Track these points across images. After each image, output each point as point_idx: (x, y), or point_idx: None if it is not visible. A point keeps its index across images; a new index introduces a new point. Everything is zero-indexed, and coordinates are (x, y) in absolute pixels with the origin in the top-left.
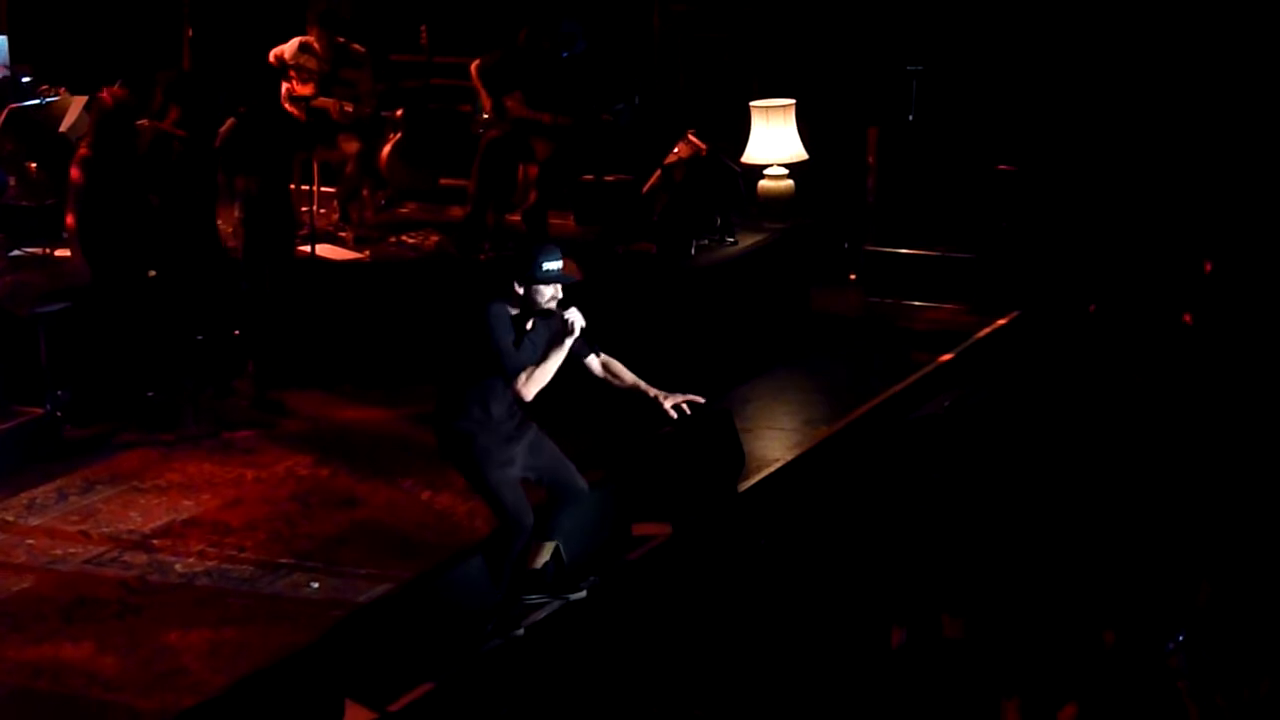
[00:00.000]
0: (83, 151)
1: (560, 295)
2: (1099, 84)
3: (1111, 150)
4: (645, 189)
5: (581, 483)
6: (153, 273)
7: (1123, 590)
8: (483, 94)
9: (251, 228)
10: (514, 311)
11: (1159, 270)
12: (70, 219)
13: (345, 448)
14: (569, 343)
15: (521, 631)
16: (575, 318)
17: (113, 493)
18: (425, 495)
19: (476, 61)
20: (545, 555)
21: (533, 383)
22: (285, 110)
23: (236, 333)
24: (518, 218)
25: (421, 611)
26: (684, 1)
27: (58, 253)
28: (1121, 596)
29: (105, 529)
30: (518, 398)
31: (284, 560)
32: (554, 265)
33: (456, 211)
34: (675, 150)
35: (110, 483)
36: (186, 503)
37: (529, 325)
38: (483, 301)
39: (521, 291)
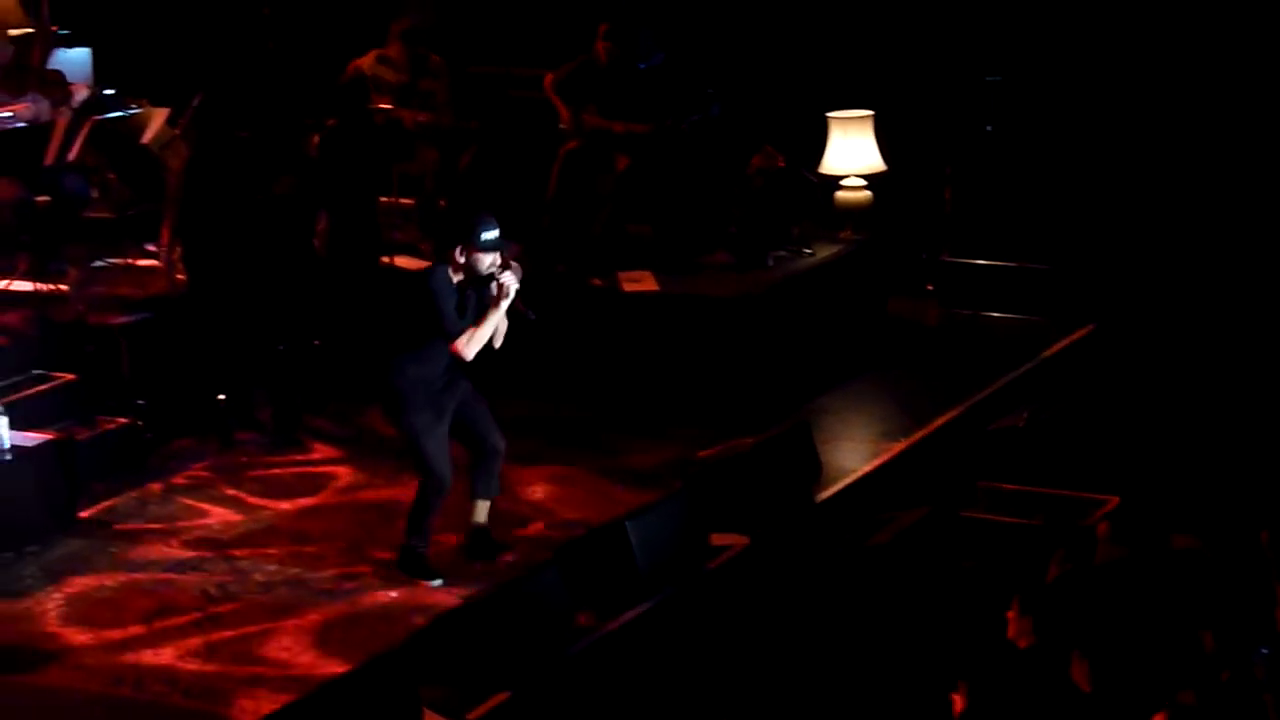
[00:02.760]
0: (180, 161)
1: (499, 262)
2: (1174, 93)
3: (1191, 160)
4: (722, 200)
5: (501, 441)
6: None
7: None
8: (559, 106)
9: (337, 240)
10: (456, 278)
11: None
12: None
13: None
14: (504, 305)
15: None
16: (510, 281)
17: (193, 501)
18: (504, 505)
19: (550, 75)
20: (484, 513)
21: (472, 344)
22: (371, 123)
23: (317, 342)
24: (596, 229)
25: (499, 620)
26: (762, 12)
27: (140, 263)
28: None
29: (186, 537)
30: (458, 358)
31: (362, 569)
32: (492, 234)
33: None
34: (752, 161)
35: (191, 491)
36: (266, 511)
37: (468, 290)
38: (425, 270)
39: (462, 259)
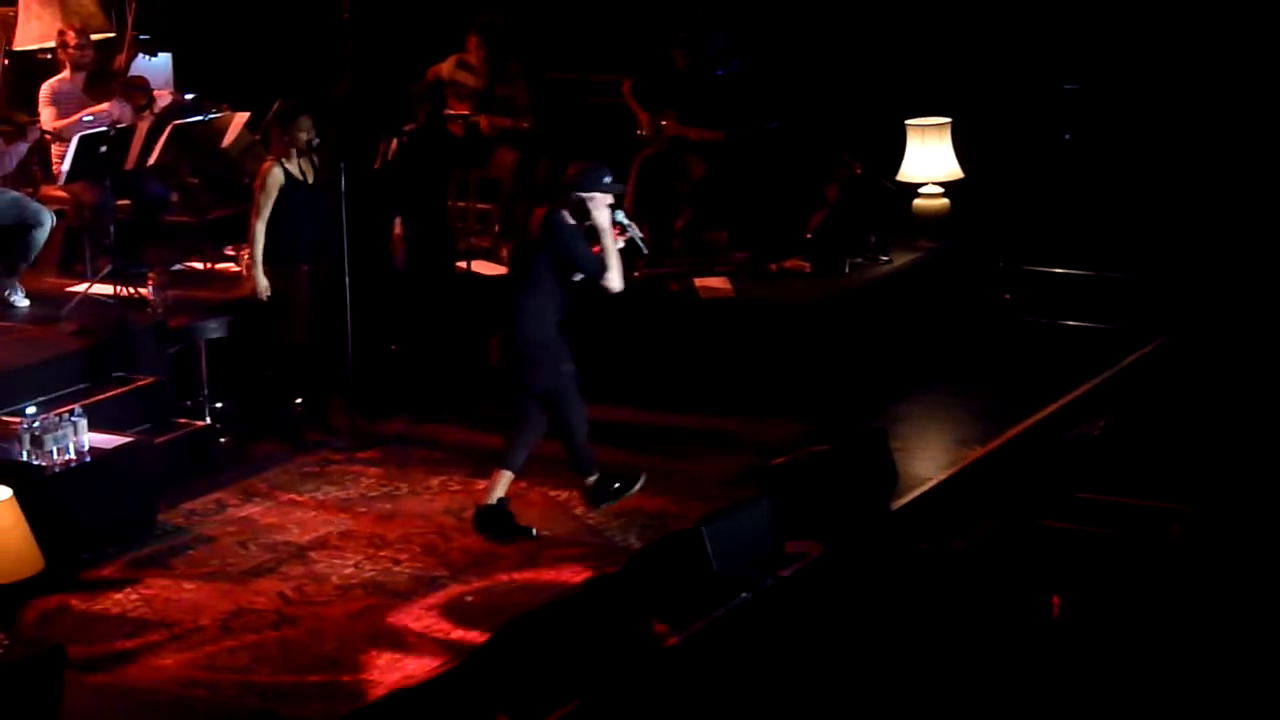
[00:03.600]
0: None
1: (613, 203)
2: (1252, 106)
3: (1268, 172)
4: (799, 207)
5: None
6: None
7: None
8: (638, 111)
9: (414, 245)
10: (572, 222)
11: None
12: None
13: (496, 462)
14: (623, 242)
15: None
16: (623, 218)
17: (270, 505)
18: (579, 509)
19: (629, 80)
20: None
21: (615, 275)
22: (448, 129)
23: (393, 348)
24: (673, 235)
25: (575, 625)
26: (839, 20)
27: (219, 267)
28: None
29: (262, 540)
30: (605, 292)
31: (439, 573)
32: (610, 178)
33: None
34: (831, 169)
35: (267, 495)
36: (342, 515)
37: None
38: (548, 220)
39: (583, 201)
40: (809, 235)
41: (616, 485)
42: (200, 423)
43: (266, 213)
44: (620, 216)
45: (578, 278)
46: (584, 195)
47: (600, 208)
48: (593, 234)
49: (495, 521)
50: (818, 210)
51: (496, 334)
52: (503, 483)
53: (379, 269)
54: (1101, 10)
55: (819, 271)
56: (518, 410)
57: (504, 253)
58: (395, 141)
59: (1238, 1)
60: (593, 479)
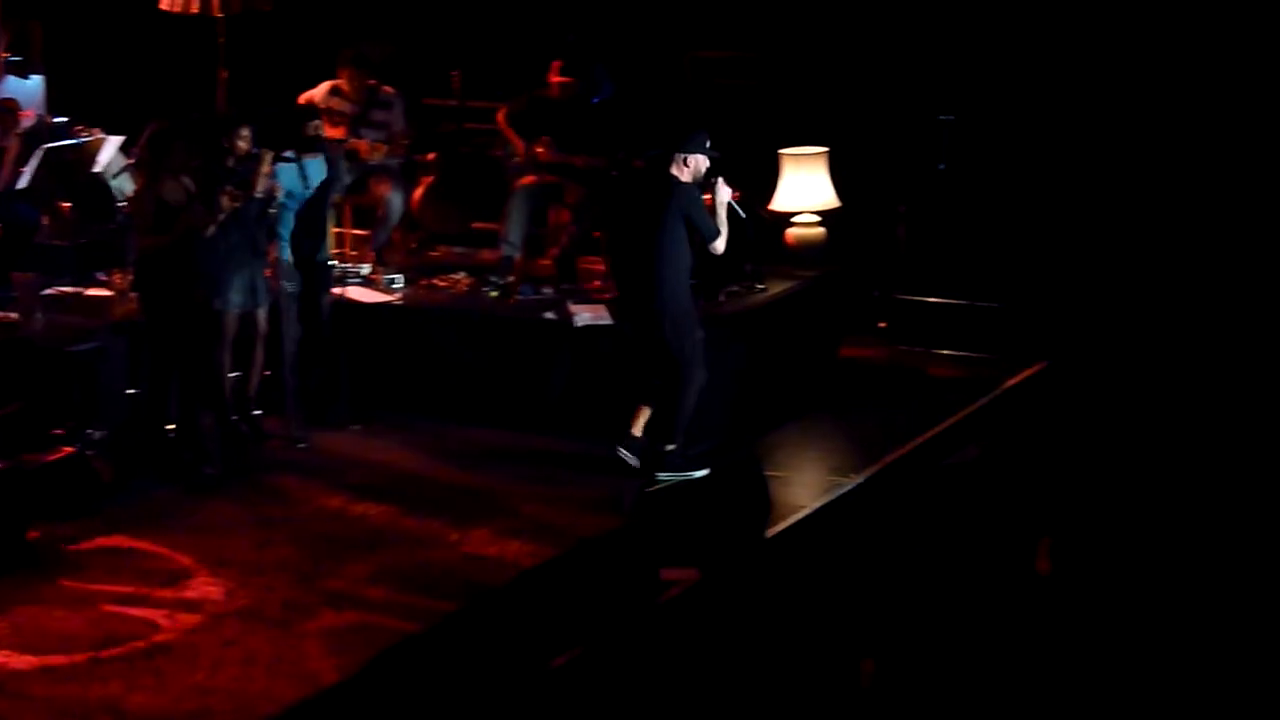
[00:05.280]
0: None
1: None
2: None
3: (1139, 199)
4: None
5: None
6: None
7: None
8: (512, 139)
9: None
10: (688, 181)
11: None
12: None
13: (374, 488)
14: (724, 211)
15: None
16: (721, 183)
17: (143, 531)
18: (454, 536)
19: (504, 108)
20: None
21: (723, 240)
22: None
23: (268, 372)
24: (549, 262)
25: (449, 656)
26: (715, 49)
27: (89, 291)
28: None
29: (134, 566)
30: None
31: (312, 600)
32: (706, 140)
33: (488, 255)
34: (704, 197)
35: (140, 521)
36: (216, 542)
37: None
38: (661, 188)
39: (687, 166)
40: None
41: (686, 464)
42: (71, 448)
43: None
44: (720, 181)
45: None
46: (688, 156)
47: (709, 177)
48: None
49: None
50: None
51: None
52: (641, 420)
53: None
54: (976, 42)
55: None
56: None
57: (376, 278)
58: (270, 165)
59: (1106, 31)
60: (672, 446)
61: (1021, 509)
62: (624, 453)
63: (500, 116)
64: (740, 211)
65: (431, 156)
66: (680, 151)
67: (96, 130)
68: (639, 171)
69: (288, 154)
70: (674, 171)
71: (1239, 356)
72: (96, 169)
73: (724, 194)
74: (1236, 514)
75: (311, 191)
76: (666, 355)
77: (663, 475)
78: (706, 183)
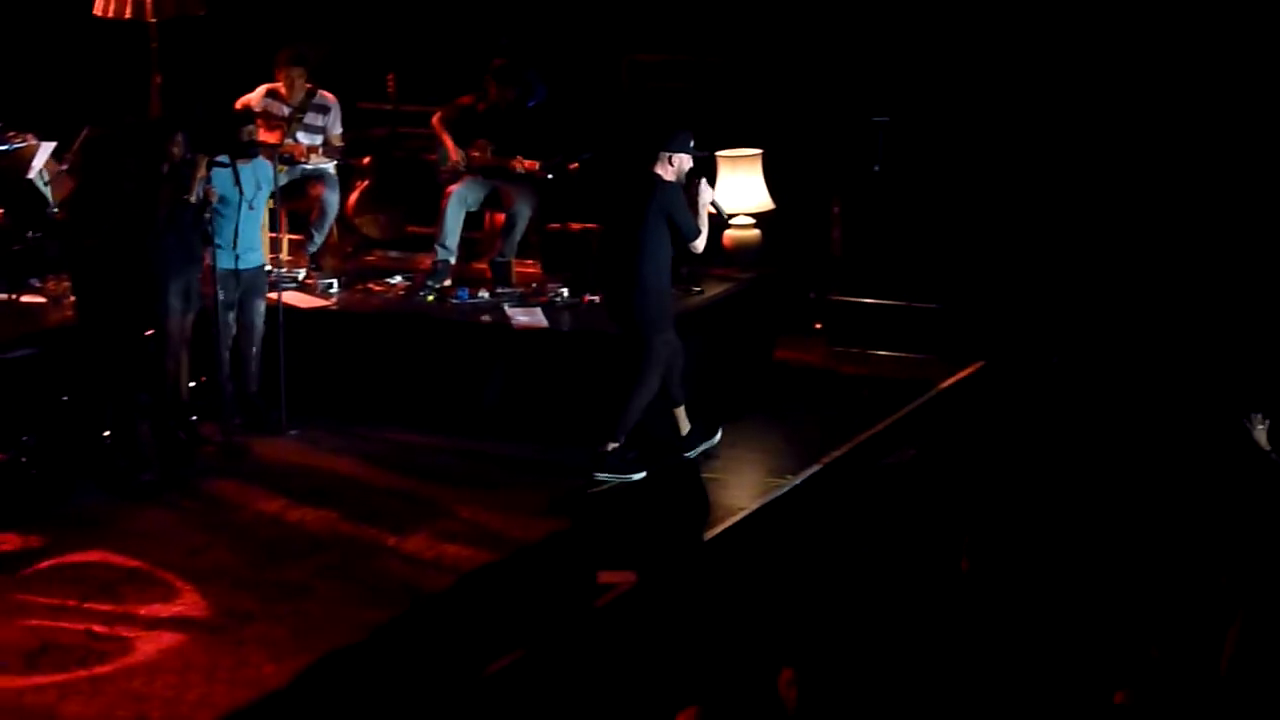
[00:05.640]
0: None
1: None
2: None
3: (1076, 198)
4: None
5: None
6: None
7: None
8: (447, 143)
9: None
10: (671, 180)
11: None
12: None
13: (311, 494)
14: (706, 200)
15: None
16: (704, 182)
17: (79, 538)
18: (392, 541)
19: (439, 112)
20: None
21: (703, 239)
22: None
23: (203, 379)
24: (484, 266)
25: (389, 661)
26: (651, 52)
27: (24, 298)
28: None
29: (70, 574)
30: (691, 254)
31: (251, 607)
32: (691, 140)
33: (423, 259)
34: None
35: (76, 529)
36: (153, 549)
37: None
38: (645, 185)
39: (672, 165)
40: None
41: (623, 466)
42: (3, 455)
43: None
44: (702, 180)
45: None
46: (672, 155)
47: (690, 176)
48: (689, 196)
49: (695, 438)
50: None
51: None
52: (682, 416)
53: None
54: (909, 44)
55: None
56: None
57: (311, 283)
58: (205, 170)
59: (1039, 31)
60: (613, 446)
61: (955, 508)
62: (695, 451)
63: (435, 120)
64: (722, 212)
65: (367, 161)
66: (665, 150)
67: (30, 136)
68: (625, 170)
69: (222, 159)
70: (658, 170)
71: (1175, 356)
72: (30, 175)
73: (706, 194)
74: (1164, 512)
75: (245, 196)
76: (635, 352)
77: (601, 475)
78: (689, 182)
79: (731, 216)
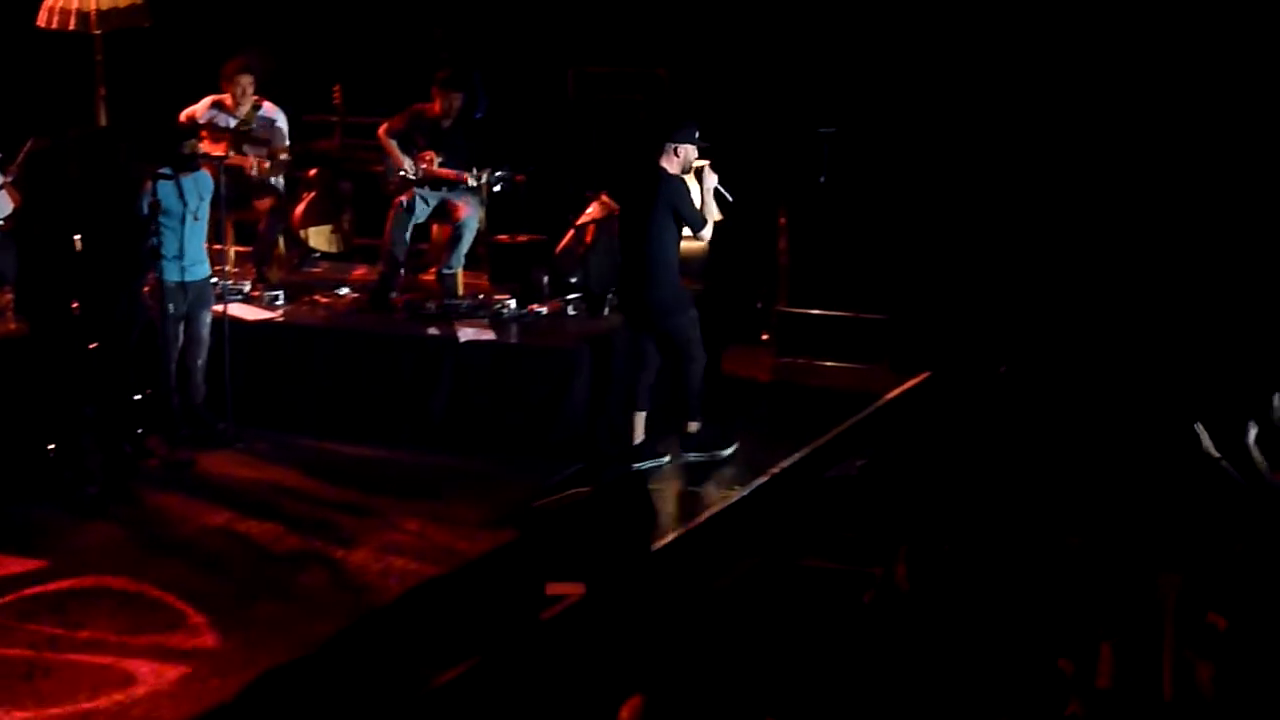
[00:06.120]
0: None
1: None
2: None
3: (1023, 210)
4: (559, 249)
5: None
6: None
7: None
8: (393, 155)
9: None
10: (675, 173)
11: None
12: None
13: (257, 507)
14: (711, 187)
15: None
16: (708, 168)
17: (24, 551)
18: (338, 554)
19: (384, 124)
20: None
21: (709, 228)
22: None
23: (149, 391)
24: (431, 277)
25: (335, 675)
26: (598, 64)
27: None
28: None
29: (14, 590)
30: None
31: (196, 621)
32: (695, 129)
33: (370, 271)
34: (588, 211)
35: (21, 541)
36: (98, 562)
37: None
38: (651, 178)
39: (677, 156)
40: (570, 278)
41: (711, 442)
42: None
43: None
44: (706, 168)
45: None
46: (678, 146)
47: (695, 160)
48: (693, 185)
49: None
50: (577, 252)
51: None
52: (639, 424)
53: (133, 312)
54: (855, 55)
55: (584, 312)
56: (637, 349)
57: (257, 295)
58: (149, 183)
59: (982, 43)
60: (695, 426)
61: (899, 519)
62: (645, 465)
63: (381, 132)
64: (727, 195)
65: (313, 173)
66: (670, 142)
67: None
68: (633, 164)
69: (165, 171)
70: (664, 163)
71: (1123, 365)
72: None
73: (710, 180)
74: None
75: (189, 208)
76: (667, 341)
77: (691, 455)
78: (695, 171)
79: (729, 199)
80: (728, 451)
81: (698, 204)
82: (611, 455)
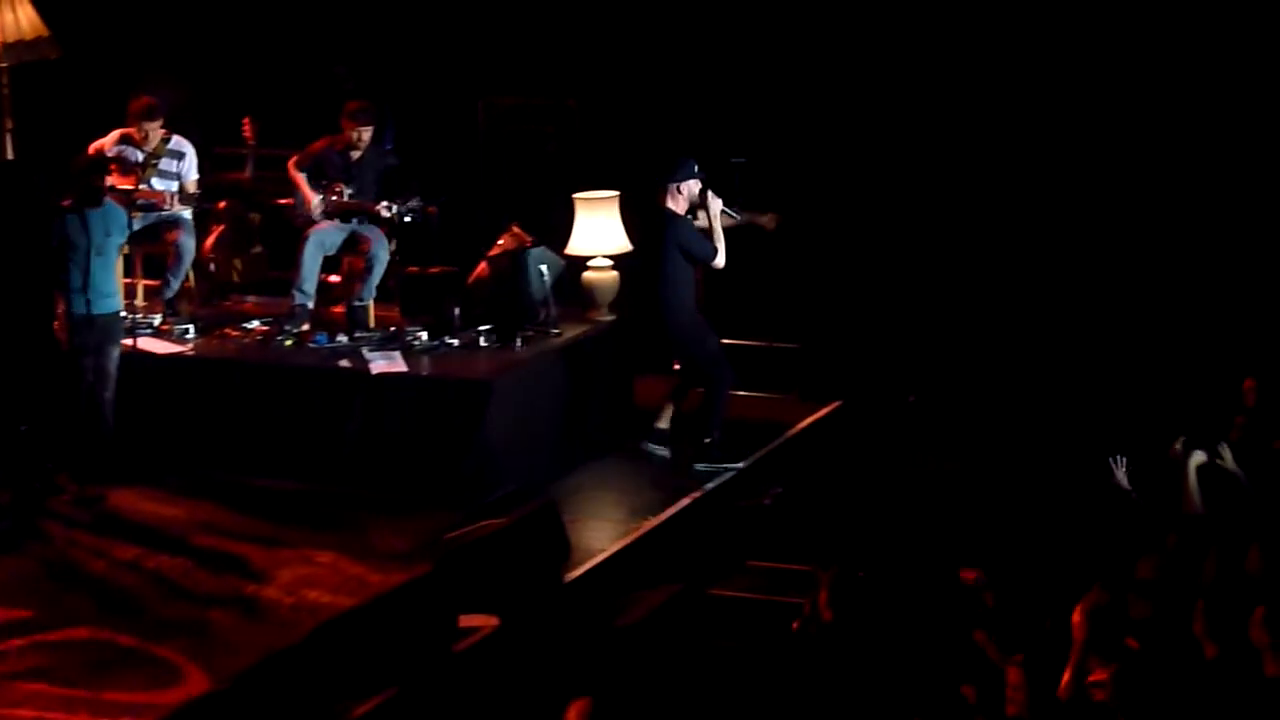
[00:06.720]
0: None
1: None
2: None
3: (931, 242)
4: (471, 280)
5: None
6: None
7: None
8: (302, 189)
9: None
10: (679, 212)
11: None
12: None
13: (168, 542)
14: (718, 215)
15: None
16: (711, 195)
17: None
18: (250, 589)
19: (294, 157)
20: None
21: (722, 256)
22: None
23: (24, 428)
24: (342, 310)
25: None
26: (508, 95)
27: None
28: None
29: None
30: (712, 271)
31: (108, 657)
32: (695, 165)
33: (281, 304)
34: (500, 242)
35: None
36: (8, 598)
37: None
38: (659, 219)
39: (681, 193)
40: (480, 309)
41: (723, 457)
42: None
43: None
44: (711, 196)
45: None
46: (680, 184)
47: (700, 194)
48: (703, 218)
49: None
50: (488, 284)
51: None
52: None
53: (41, 347)
54: (766, 85)
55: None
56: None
57: (167, 328)
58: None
59: (894, 73)
60: (710, 440)
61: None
62: (651, 447)
63: (290, 165)
64: (734, 215)
65: (223, 205)
66: (671, 182)
67: None
68: (646, 204)
69: (67, 204)
70: (669, 204)
71: (1033, 394)
72: None
73: (715, 205)
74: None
75: (94, 242)
76: (693, 366)
77: (700, 466)
78: (701, 199)
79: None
80: (737, 466)
81: (709, 224)
82: (523, 490)
